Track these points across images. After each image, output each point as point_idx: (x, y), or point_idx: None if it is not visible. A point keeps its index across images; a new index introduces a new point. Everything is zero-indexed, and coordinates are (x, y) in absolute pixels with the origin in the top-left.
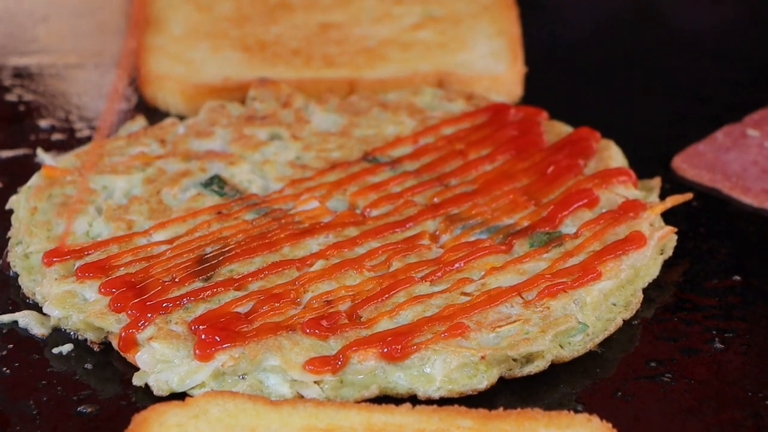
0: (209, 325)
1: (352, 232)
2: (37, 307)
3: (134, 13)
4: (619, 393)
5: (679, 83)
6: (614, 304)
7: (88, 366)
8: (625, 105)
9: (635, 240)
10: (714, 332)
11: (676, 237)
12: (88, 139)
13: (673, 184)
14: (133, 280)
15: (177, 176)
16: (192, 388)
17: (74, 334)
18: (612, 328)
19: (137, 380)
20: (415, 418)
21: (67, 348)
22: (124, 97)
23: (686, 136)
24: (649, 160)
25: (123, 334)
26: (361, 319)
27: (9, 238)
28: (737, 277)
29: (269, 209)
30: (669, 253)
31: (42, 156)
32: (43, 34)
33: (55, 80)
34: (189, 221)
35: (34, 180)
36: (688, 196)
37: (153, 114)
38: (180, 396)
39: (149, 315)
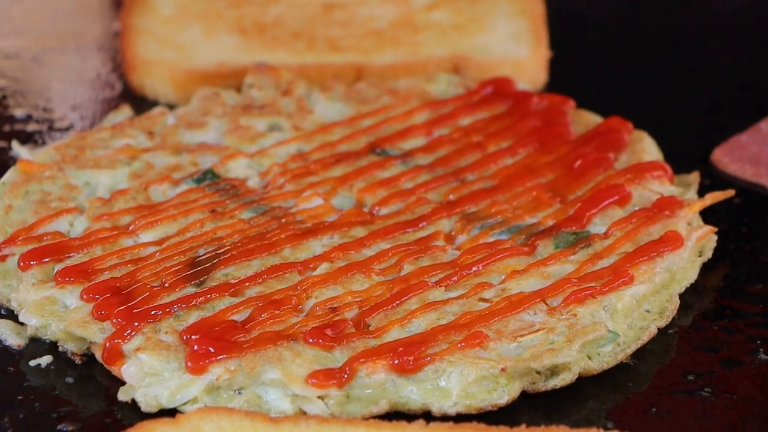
0: (202, 334)
1: (359, 232)
2: (12, 315)
3: None
4: (654, 409)
5: (719, 68)
6: (648, 311)
7: (69, 380)
8: (660, 92)
9: (671, 241)
10: (758, 342)
11: (716, 237)
12: (69, 130)
13: (712, 179)
14: (118, 285)
15: (166, 171)
16: (183, 403)
17: (54, 344)
18: (645, 338)
19: (123, 395)
20: None
21: (45, 360)
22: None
23: (727, 126)
24: (686, 153)
25: (107, 344)
26: (370, 328)
27: None
28: None
29: (268, 207)
30: (708, 255)
31: (17, 149)
32: (19, 14)
33: (31, 64)
34: (180, 220)
35: (9, 175)
36: (730, 192)
37: (140, 103)
38: (170, 413)
39: (136, 323)
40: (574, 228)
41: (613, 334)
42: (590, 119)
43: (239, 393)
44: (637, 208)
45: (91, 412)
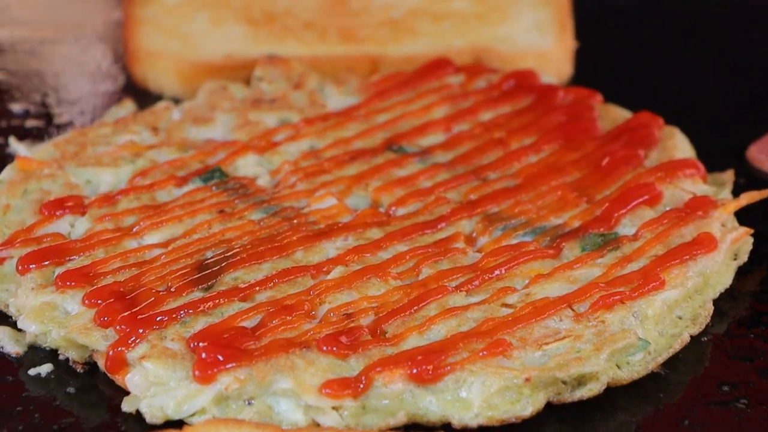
0: (210, 341)
1: (375, 233)
2: (10, 322)
3: None
4: (687, 421)
5: (755, 59)
6: (680, 318)
7: (71, 390)
8: (693, 85)
9: (704, 243)
10: None
11: (751, 240)
12: (69, 125)
13: (748, 177)
14: (122, 289)
15: (172, 169)
16: (191, 414)
17: (54, 352)
18: (677, 346)
19: (127, 406)
20: None
21: (45, 369)
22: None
23: (764, 121)
24: (720, 150)
25: (111, 352)
26: (386, 335)
27: None
28: None
29: (279, 207)
30: (744, 258)
31: (15, 146)
32: (15, 3)
33: (29, 57)
34: (186, 221)
35: (7, 173)
36: (766, 192)
37: (143, 97)
38: (177, 424)
39: (141, 330)
40: (601, 229)
41: (644, 342)
42: (619, 114)
43: (249, 403)
44: (668, 209)
45: (93, 423)
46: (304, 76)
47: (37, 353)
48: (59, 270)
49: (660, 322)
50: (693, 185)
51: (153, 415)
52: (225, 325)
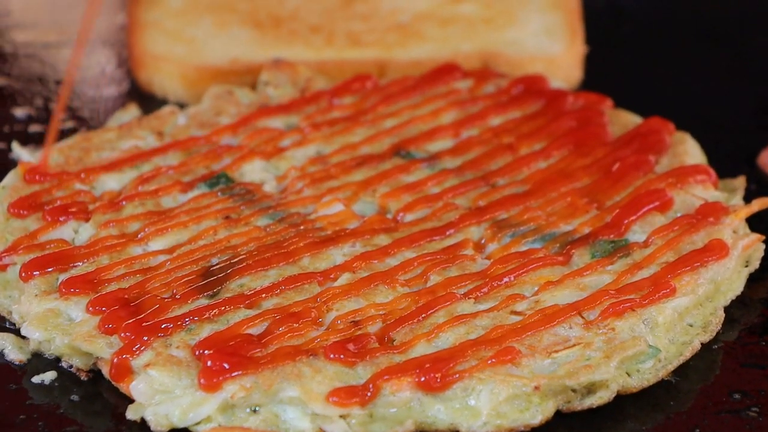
0: (216, 349)
1: (382, 240)
2: (14, 329)
3: None
4: (697, 430)
5: (767, 65)
6: (691, 325)
7: (75, 398)
8: (704, 90)
9: (715, 250)
10: None
11: (763, 246)
12: (72, 131)
13: (759, 184)
14: (126, 296)
15: (177, 174)
16: (196, 423)
17: (58, 360)
18: (688, 353)
19: (132, 414)
20: None
21: (49, 377)
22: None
23: None
24: (731, 156)
25: (115, 360)
26: (394, 343)
27: None
28: None
29: (285, 213)
30: (755, 265)
31: (18, 151)
32: (17, 7)
33: (32, 61)
34: (191, 227)
35: (10, 179)
36: None
37: (148, 101)
38: None
39: (146, 338)
40: (611, 236)
41: (654, 350)
42: (629, 119)
43: (255, 412)
44: (679, 215)
45: (98, 431)
46: (310, 81)
47: (40, 361)
48: (63, 276)
49: (670, 329)
50: (704, 191)
51: (158, 423)
52: (231, 332)
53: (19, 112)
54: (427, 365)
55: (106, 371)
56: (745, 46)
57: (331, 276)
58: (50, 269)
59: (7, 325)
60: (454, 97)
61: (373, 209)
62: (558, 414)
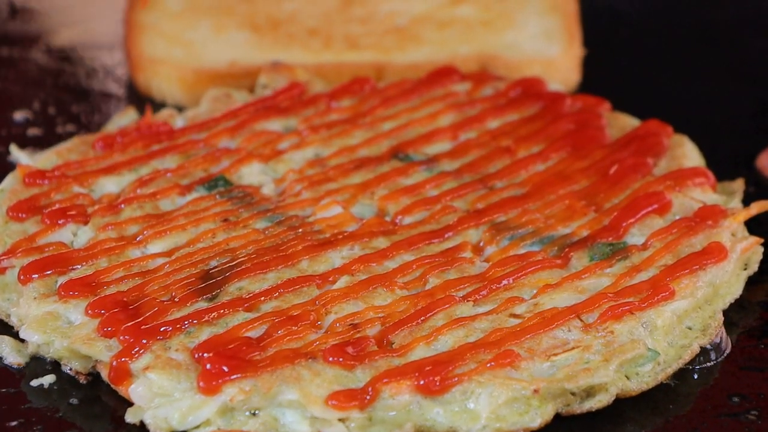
0: (215, 352)
1: (381, 243)
2: (12, 332)
3: None
4: None
5: (765, 68)
6: (690, 328)
7: (74, 401)
8: (702, 93)
9: (714, 253)
10: None
11: (762, 249)
12: (71, 134)
13: (758, 186)
14: (125, 299)
15: (175, 177)
16: (195, 426)
17: (57, 363)
18: (687, 357)
19: (131, 417)
20: None
21: (48, 380)
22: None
23: None
24: (730, 159)
25: (114, 363)
26: (393, 346)
27: None
28: None
29: (284, 216)
30: (754, 268)
31: (16, 154)
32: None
33: (30, 65)
34: (190, 230)
35: (8, 182)
36: None
37: (146, 104)
38: None
39: (145, 341)
40: (610, 239)
41: (653, 353)
42: (627, 122)
43: (255, 415)
44: (677, 218)
45: None
46: (308, 84)
47: (39, 364)
48: (62, 279)
49: (669, 332)
50: (702, 194)
51: (157, 426)
52: (230, 335)
53: (18, 116)
54: (427, 368)
55: (105, 374)
56: (742, 49)
57: (330, 279)
58: (49, 272)
59: (5, 327)
60: (452, 100)
61: (371, 212)
62: (557, 417)
